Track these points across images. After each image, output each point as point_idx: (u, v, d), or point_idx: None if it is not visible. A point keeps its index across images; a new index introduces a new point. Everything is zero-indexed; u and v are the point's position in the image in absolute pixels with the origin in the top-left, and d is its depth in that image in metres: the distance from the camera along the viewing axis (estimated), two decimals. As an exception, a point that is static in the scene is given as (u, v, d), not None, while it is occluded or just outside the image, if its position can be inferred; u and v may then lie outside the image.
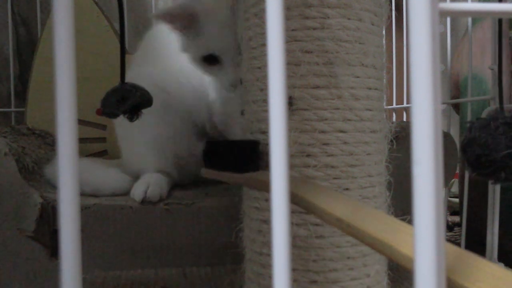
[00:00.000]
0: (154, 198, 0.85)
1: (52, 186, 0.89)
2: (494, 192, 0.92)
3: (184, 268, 0.79)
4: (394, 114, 1.35)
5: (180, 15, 0.82)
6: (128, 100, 0.63)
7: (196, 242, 0.83)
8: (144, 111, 0.66)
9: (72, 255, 0.19)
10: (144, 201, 0.84)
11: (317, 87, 0.50)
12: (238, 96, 0.82)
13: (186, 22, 0.83)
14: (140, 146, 0.95)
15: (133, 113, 0.65)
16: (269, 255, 0.52)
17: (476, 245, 1.00)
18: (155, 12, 0.83)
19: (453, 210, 1.54)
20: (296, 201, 0.37)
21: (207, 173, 0.55)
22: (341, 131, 0.50)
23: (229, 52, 0.82)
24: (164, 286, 0.76)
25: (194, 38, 0.84)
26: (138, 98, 0.64)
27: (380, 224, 0.27)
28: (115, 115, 0.65)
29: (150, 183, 0.87)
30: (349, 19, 0.50)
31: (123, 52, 0.65)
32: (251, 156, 0.51)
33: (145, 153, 0.95)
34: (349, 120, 0.51)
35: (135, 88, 0.64)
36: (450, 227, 1.49)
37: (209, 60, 0.85)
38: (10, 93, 1.36)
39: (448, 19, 1.09)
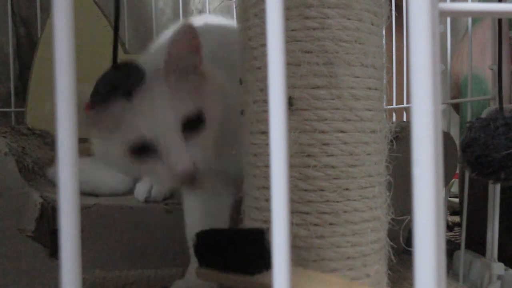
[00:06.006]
0: (158, 197, 0.85)
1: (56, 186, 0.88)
2: (494, 192, 0.92)
3: (184, 268, 0.79)
4: (394, 114, 1.35)
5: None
6: None
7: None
8: None
9: (72, 255, 0.19)
10: (147, 200, 0.84)
11: (317, 87, 0.50)
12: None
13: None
14: None
15: None
16: (269, 255, 0.52)
17: (476, 245, 1.00)
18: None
19: (453, 210, 1.54)
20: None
21: (203, 274, 0.43)
22: (341, 131, 0.50)
23: (168, 134, 0.62)
24: (164, 286, 0.76)
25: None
26: None
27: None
28: None
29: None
30: (349, 19, 0.50)
31: (115, 51, 0.65)
32: (260, 250, 0.40)
33: None
34: (349, 120, 0.51)
35: None
36: (450, 227, 1.49)
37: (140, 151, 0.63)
38: (10, 93, 1.36)
39: (448, 19, 1.08)
